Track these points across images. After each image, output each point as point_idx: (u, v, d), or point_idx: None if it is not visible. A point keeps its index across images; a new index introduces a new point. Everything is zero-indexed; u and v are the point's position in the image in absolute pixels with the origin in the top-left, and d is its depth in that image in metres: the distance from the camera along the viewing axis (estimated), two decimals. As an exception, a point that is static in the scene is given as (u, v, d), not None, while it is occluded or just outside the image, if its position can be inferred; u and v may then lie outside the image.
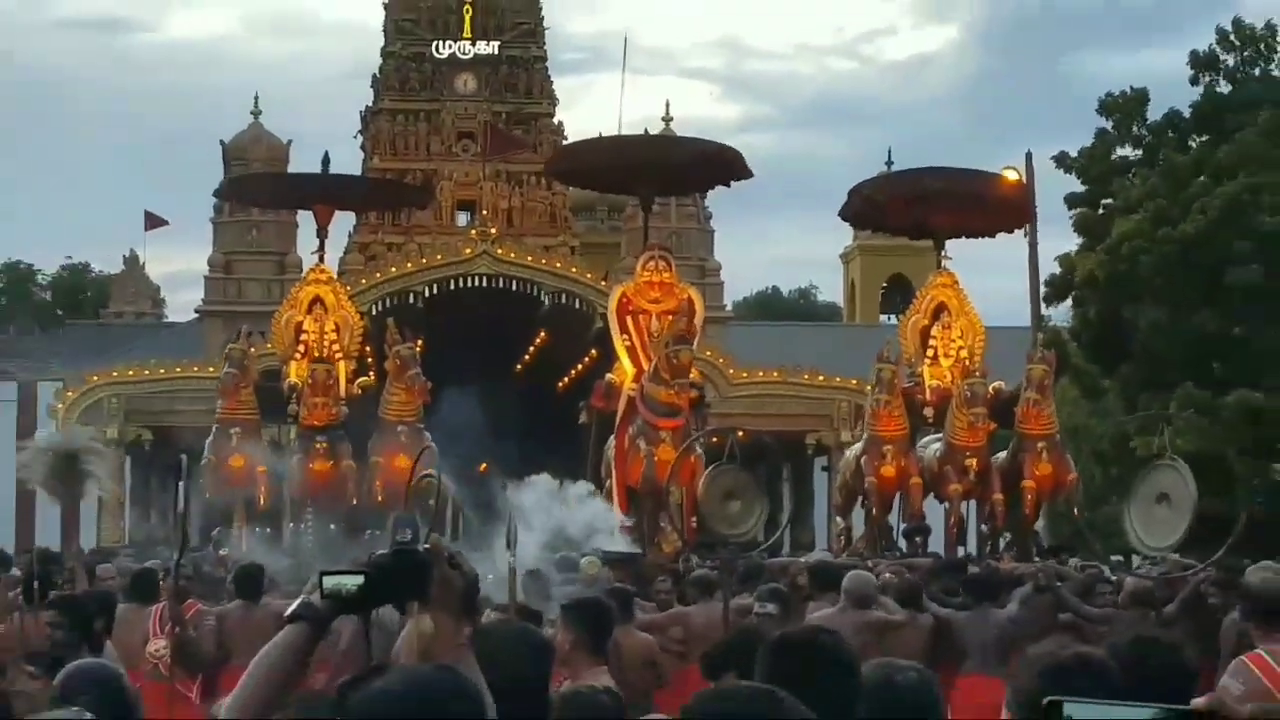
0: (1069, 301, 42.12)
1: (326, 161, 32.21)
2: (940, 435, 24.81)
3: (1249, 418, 35.87)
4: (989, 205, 27.34)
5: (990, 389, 24.57)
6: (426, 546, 3.97)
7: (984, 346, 26.04)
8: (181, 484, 13.14)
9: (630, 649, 12.13)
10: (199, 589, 14.28)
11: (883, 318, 60.06)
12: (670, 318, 25.15)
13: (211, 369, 33.91)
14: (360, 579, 3.90)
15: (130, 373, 36.86)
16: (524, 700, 4.27)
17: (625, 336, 25.86)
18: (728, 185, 29.18)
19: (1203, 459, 35.53)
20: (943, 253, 26.56)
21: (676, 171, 28.35)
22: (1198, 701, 2.57)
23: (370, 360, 27.00)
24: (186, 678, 12.56)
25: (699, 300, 26.64)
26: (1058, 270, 41.36)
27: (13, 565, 17.13)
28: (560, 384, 37.29)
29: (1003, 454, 24.53)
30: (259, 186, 34.80)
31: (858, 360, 38.12)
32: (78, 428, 20.66)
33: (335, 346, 26.44)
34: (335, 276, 28.95)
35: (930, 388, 25.57)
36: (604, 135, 29.41)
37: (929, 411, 25.37)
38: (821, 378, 37.86)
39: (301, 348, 26.35)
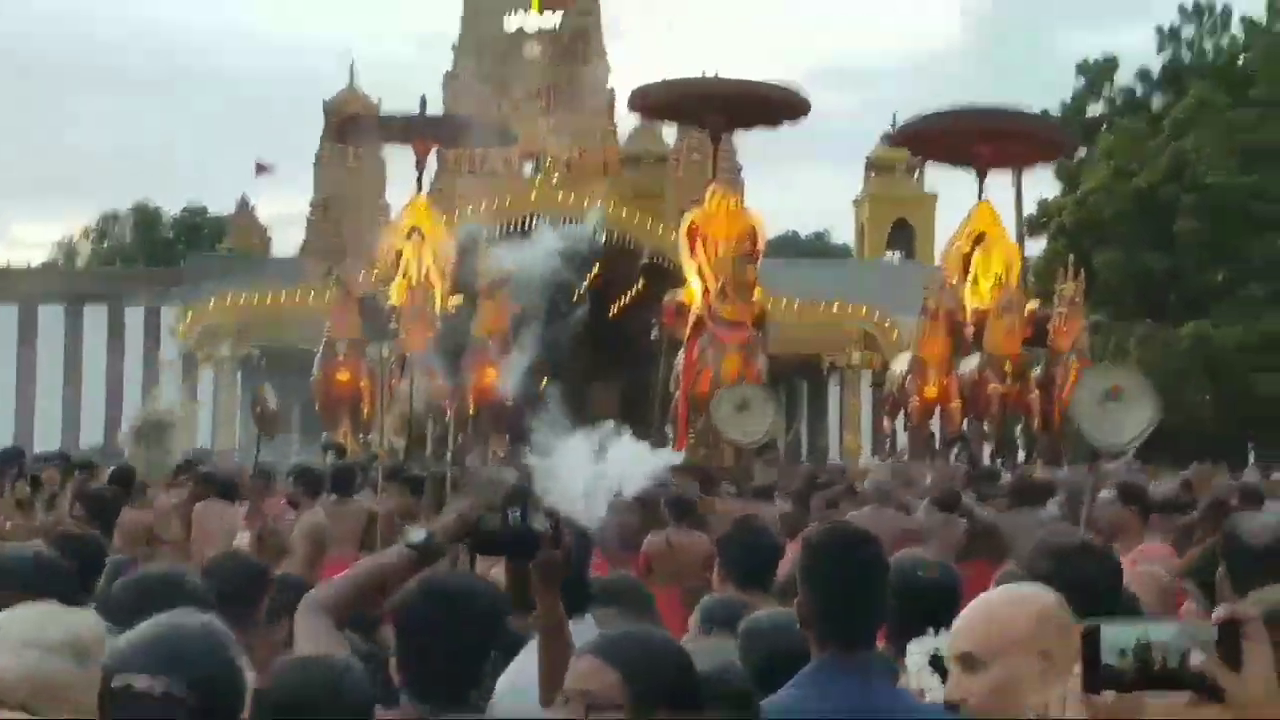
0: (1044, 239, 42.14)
1: (424, 104, 31.95)
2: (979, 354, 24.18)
3: (1201, 346, 35.86)
4: (1027, 138, 26.47)
5: (1027, 308, 23.87)
6: (539, 525, 3.80)
7: (1020, 268, 25.40)
8: (264, 385, 12.97)
9: (686, 549, 11.97)
10: (302, 487, 13.91)
11: (888, 254, 59.82)
12: (734, 242, 24.51)
13: (311, 295, 33.89)
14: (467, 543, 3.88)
15: (241, 300, 36.86)
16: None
17: (694, 260, 25.20)
18: (783, 123, 28.16)
19: (1159, 383, 35.64)
20: (984, 182, 25.71)
21: (746, 105, 27.31)
22: (1218, 612, 2.51)
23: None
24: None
25: (760, 225, 25.77)
26: (1036, 212, 41.39)
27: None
28: (611, 312, 37.23)
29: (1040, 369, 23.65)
30: (369, 126, 34.09)
31: (866, 292, 38.05)
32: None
33: (431, 270, 26.14)
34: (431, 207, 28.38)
35: (970, 309, 24.97)
36: (683, 77, 28.46)
37: (970, 330, 24.82)
38: (835, 307, 37.70)
39: (401, 271, 26.09)
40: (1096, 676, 2.39)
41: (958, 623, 3.09)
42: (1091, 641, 2.41)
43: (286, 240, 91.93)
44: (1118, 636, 2.42)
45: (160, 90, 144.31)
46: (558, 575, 3.84)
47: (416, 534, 3.91)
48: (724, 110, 26.58)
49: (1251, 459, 32.64)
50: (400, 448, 22.18)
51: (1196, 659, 2.38)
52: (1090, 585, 3.93)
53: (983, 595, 3.16)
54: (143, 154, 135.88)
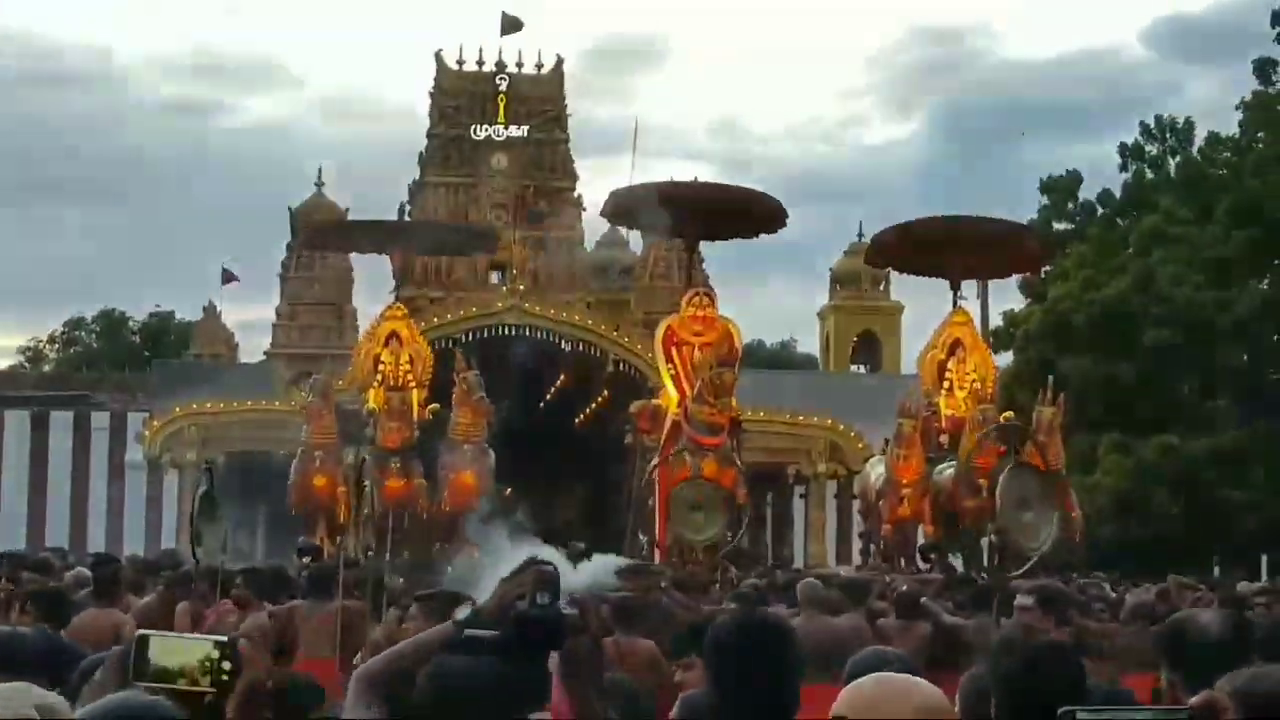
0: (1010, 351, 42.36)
1: (402, 211, 31.95)
2: (954, 462, 24.04)
3: (1169, 456, 35.97)
4: (1002, 249, 26.54)
5: (1001, 419, 23.75)
6: (567, 608, 3.72)
7: (995, 378, 25.36)
8: (202, 489, 12.86)
9: (631, 654, 11.93)
10: (251, 589, 13.77)
11: (853, 367, 60.01)
12: (710, 349, 24.24)
13: (278, 403, 33.85)
14: (496, 632, 3.70)
15: (208, 406, 36.80)
16: None
17: (670, 366, 24.97)
18: (761, 234, 28.12)
19: (1127, 494, 35.84)
20: (958, 292, 25.74)
21: (723, 214, 27.00)
22: (1194, 700, 2.57)
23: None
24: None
25: (737, 332, 25.67)
26: (1002, 324, 41.72)
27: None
28: (577, 421, 37.24)
29: None
30: (344, 233, 33.55)
31: (831, 402, 38.21)
32: None
33: (409, 376, 25.98)
34: (409, 314, 28.25)
35: (945, 417, 24.74)
36: (659, 181, 28.41)
37: (944, 438, 24.59)
38: (800, 417, 37.80)
39: (379, 377, 25.96)
40: None
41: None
42: None
43: (253, 346, 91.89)
44: (1096, 717, 2.50)
45: (127, 197, 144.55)
46: (587, 665, 3.77)
47: (462, 612, 3.87)
48: (701, 219, 26.42)
49: (1216, 571, 32.63)
50: (366, 550, 22.09)
51: None
52: (1054, 683, 3.95)
53: (860, 688, 3.13)
54: (109, 261, 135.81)
